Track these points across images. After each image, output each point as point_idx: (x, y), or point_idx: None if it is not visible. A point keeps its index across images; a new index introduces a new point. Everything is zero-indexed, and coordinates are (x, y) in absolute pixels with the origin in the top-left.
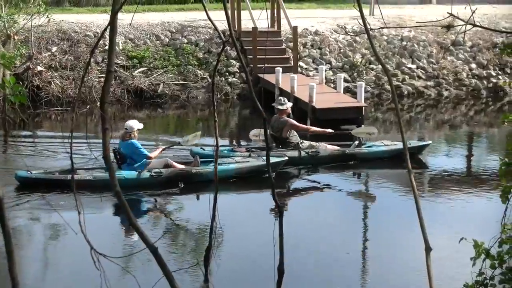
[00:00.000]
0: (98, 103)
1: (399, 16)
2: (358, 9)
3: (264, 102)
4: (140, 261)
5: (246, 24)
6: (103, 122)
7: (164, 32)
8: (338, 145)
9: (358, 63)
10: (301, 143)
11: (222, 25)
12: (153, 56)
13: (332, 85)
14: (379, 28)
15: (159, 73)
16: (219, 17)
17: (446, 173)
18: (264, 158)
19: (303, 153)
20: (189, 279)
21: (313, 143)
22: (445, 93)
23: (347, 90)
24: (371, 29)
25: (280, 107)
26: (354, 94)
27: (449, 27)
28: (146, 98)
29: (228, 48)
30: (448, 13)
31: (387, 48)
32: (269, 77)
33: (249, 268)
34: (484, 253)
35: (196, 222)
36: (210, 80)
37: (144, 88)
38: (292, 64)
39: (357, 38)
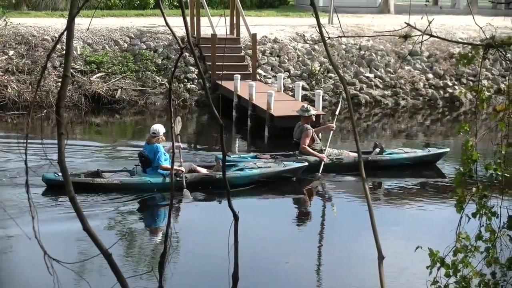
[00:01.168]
0: (55, 107)
1: (358, 25)
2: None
3: (222, 109)
4: (96, 267)
5: (206, 31)
6: (58, 127)
7: (123, 38)
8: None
9: (317, 72)
10: (324, 150)
11: (182, 31)
12: (112, 62)
13: (290, 93)
14: (337, 37)
15: (117, 78)
16: (179, 24)
17: (402, 182)
18: (285, 163)
19: (326, 160)
20: (143, 285)
21: (336, 150)
22: (402, 103)
23: (305, 98)
24: (328, 37)
25: (303, 114)
26: (312, 102)
27: (406, 37)
28: (104, 104)
29: (187, 54)
30: (405, 23)
31: (345, 57)
32: (227, 84)
33: (204, 275)
34: (439, 262)
35: (154, 229)
36: (168, 86)
37: (102, 93)
38: (251, 72)
39: (316, 47)
